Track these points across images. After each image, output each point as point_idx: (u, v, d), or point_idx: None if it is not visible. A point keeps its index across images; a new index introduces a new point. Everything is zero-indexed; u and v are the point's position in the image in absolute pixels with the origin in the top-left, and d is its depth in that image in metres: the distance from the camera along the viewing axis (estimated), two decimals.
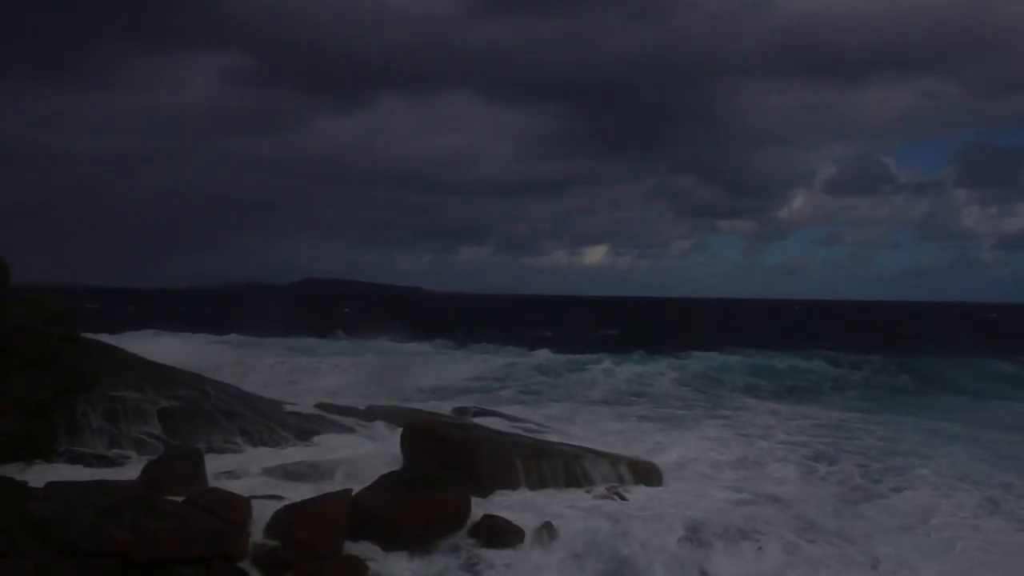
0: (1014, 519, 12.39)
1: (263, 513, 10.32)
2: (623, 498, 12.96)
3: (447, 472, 11.74)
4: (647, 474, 14.14)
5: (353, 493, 10.45)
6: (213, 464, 12.54)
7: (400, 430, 14.53)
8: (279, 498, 11.44)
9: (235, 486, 12.04)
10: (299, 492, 11.78)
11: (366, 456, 14.71)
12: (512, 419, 19.51)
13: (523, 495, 12.66)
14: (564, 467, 13.61)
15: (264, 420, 16.41)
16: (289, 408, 18.29)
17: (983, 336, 56.80)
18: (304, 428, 16.70)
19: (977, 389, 29.88)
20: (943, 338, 53.42)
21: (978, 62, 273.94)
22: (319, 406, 19.16)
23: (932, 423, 21.27)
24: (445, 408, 20.30)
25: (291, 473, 13.37)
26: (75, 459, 13.32)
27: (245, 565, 9.09)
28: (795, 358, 34.39)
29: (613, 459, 14.49)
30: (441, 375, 28.15)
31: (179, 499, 9.69)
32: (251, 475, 13.06)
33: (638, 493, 13.33)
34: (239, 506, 10.01)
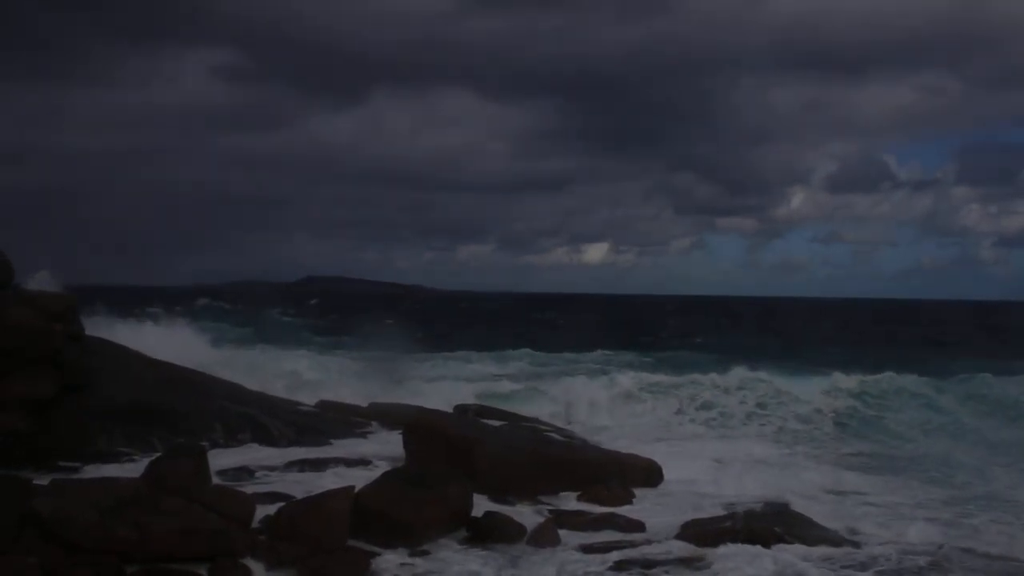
0: None
1: (266, 510, 10.37)
2: (627, 496, 12.97)
3: (448, 469, 11.77)
4: (650, 473, 14.16)
5: (355, 490, 10.48)
6: (216, 462, 12.56)
7: (402, 428, 14.58)
8: (282, 495, 11.49)
9: (238, 484, 12.10)
10: (301, 489, 11.83)
11: (368, 453, 14.78)
12: (514, 417, 19.54)
13: (525, 492, 12.67)
14: (566, 465, 13.62)
15: (267, 418, 16.45)
16: (292, 406, 18.34)
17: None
18: (307, 426, 16.76)
19: None
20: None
21: (979, 58, 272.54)
22: (321, 404, 19.21)
23: None
24: (447, 406, 20.32)
25: (294, 470, 13.43)
26: (78, 457, 13.35)
27: (248, 562, 9.11)
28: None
29: (616, 457, 14.51)
30: None
31: (182, 497, 9.70)
32: (254, 472, 13.12)
33: (641, 491, 13.34)
34: (242, 503, 10.04)
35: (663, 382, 24.64)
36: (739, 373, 25.26)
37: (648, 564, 9.76)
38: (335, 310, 68.78)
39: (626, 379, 24.58)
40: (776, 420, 22.13)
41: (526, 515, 11.47)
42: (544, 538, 10.53)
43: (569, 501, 12.69)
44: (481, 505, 11.36)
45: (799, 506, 12.25)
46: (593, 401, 23.00)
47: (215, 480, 11.66)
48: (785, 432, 20.91)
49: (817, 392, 24.14)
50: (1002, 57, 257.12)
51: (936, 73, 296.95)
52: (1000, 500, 14.10)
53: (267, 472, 13.24)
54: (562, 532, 10.79)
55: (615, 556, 9.99)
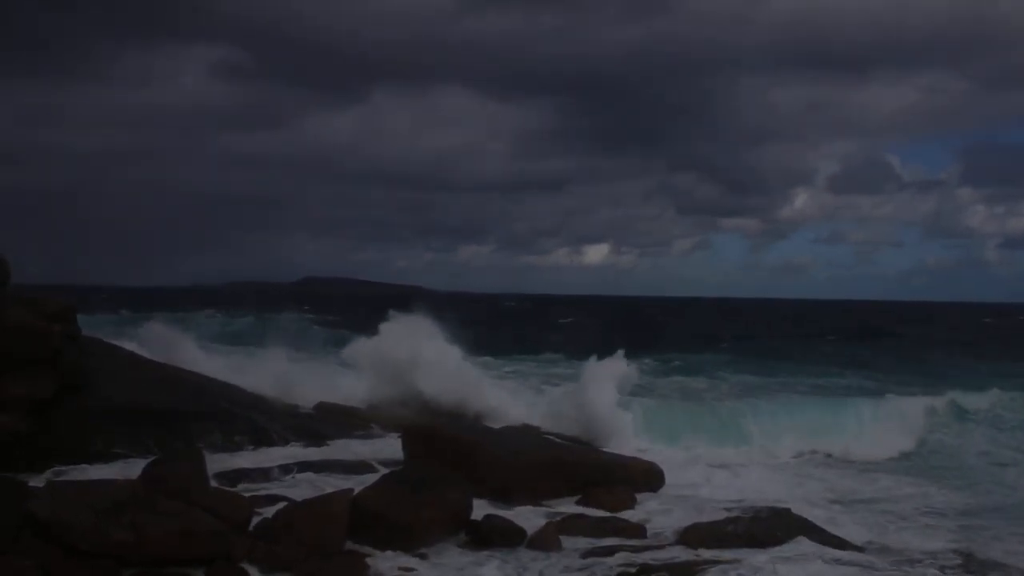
0: None
1: (264, 513, 10.31)
2: (628, 500, 12.90)
3: (448, 472, 11.70)
4: (651, 476, 14.09)
5: (354, 493, 10.42)
6: (214, 464, 12.51)
7: (401, 430, 14.52)
8: (280, 498, 11.44)
9: (236, 486, 12.04)
10: (300, 492, 11.77)
11: (367, 456, 14.72)
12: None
13: (525, 495, 12.60)
14: (567, 468, 13.54)
15: (265, 420, 16.40)
16: (290, 408, 18.28)
17: None
18: (306, 428, 16.71)
19: None
20: None
21: (983, 58, 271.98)
22: (320, 406, 19.14)
23: None
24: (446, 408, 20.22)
25: (292, 472, 13.37)
26: (76, 458, 13.30)
27: (246, 565, 9.05)
28: None
29: (617, 460, 14.44)
30: None
31: (180, 499, 9.64)
32: (252, 475, 13.06)
33: (642, 495, 13.27)
34: (240, 506, 9.99)
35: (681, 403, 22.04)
36: (747, 378, 24.92)
37: (649, 568, 9.69)
38: (334, 311, 68.74)
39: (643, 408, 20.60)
40: (784, 425, 21.71)
41: (527, 518, 11.40)
42: (545, 542, 10.46)
43: (570, 504, 12.62)
44: (481, 508, 11.30)
45: (803, 511, 12.18)
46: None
47: (213, 482, 11.60)
48: (791, 434, 20.58)
49: (829, 394, 23.92)
50: (1007, 57, 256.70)
51: (940, 73, 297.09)
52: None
53: (265, 474, 13.18)
54: (563, 536, 10.72)
55: (616, 560, 9.93)
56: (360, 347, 22.10)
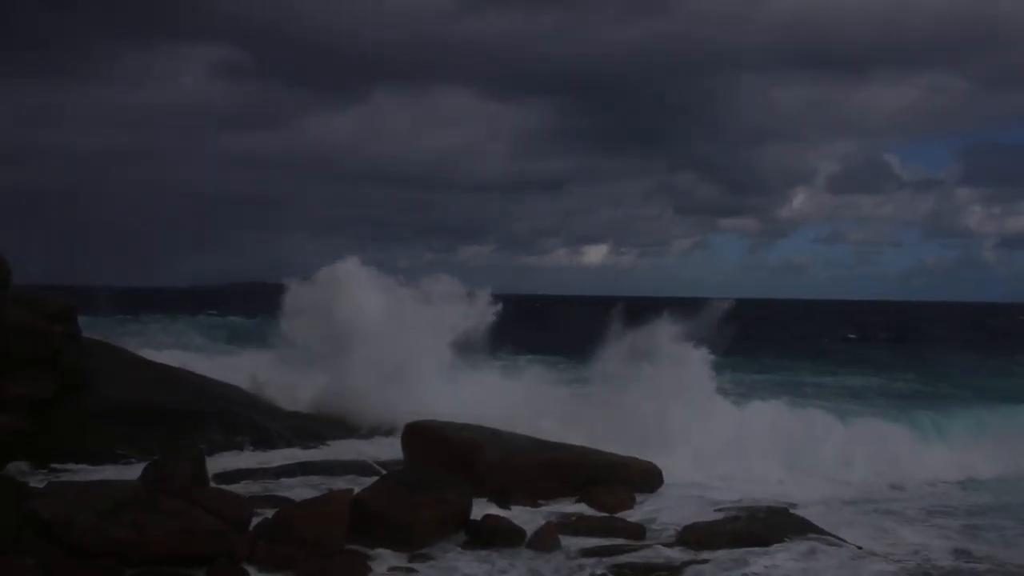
0: None
1: (264, 512, 10.32)
2: (627, 500, 12.92)
3: (448, 472, 11.73)
4: (650, 476, 14.10)
5: (354, 493, 10.44)
6: (214, 464, 12.55)
7: (402, 431, 14.53)
8: (280, 498, 11.46)
9: (236, 486, 12.06)
10: (300, 492, 11.79)
11: (367, 456, 14.74)
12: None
13: (524, 496, 12.63)
14: (566, 468, 13.56)
15: (265, 420, 16.42)
16: (290, 408, 18.29)
17: None
18: (306, 428, 16.72)
19: None
20: None
21: (983, 57, 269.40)
22: (321, 405, 19.13)
23: None
24: None
25: (292, 473, 13.39)
26: (76, 458, 13.32)
27: (246, 564, 9.06)
28: None
29: (616, 460, 14.45)
30: None
31: (180, 499, 9.66)
32: (252, 475, 13.08)
33: (641, 495, 13.29)
34: (240, 506, 10.00)
35: None
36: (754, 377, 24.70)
37: (649, 568, 9.71)
38: None
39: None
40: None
41: (526, 519, 11.42)
42: (544, 542, 10.47)
43: (569, 505, 12.64)
44: (480, 508, 11.32)
45: (802, 510, 12.20)
46: None
47: (213, 482, 11.64)
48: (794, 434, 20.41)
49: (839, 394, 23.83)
50: (1007, 57, 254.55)
51: (940, 73, 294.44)
52: None
53: (265, 474, 13.20)
54: (562, 536, 10.74)
55: (615, 560, 9.94)
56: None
